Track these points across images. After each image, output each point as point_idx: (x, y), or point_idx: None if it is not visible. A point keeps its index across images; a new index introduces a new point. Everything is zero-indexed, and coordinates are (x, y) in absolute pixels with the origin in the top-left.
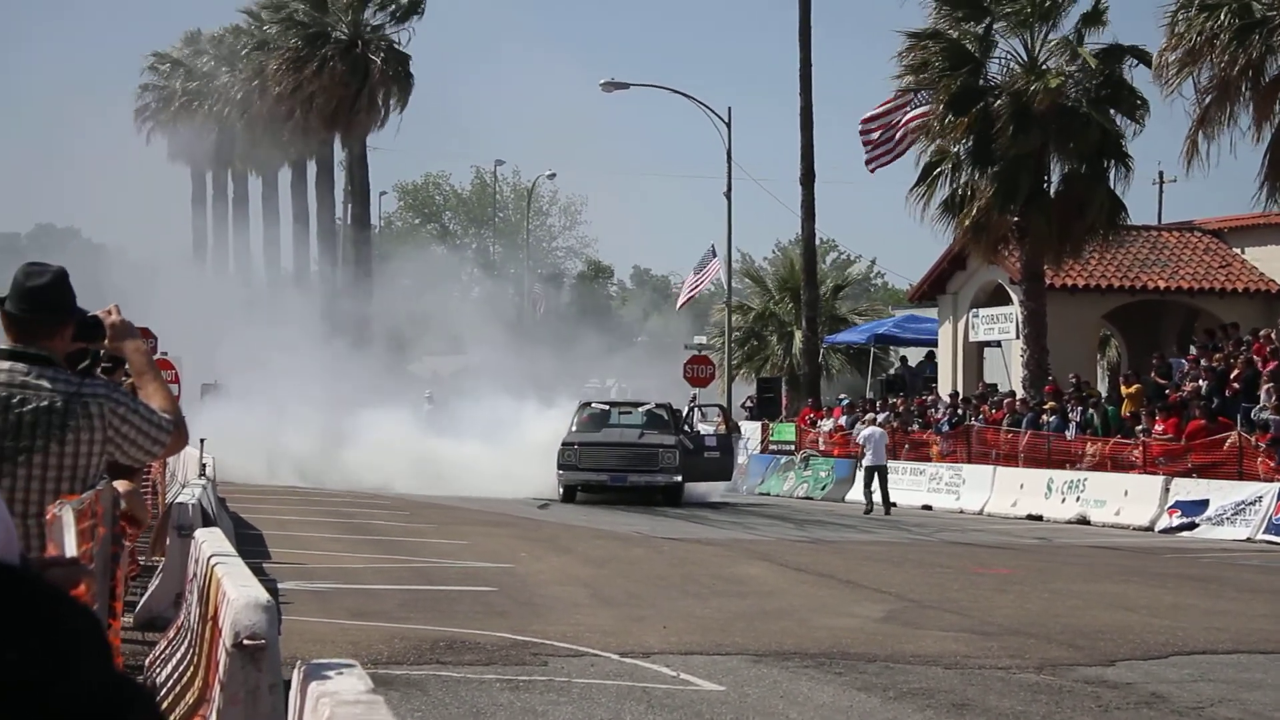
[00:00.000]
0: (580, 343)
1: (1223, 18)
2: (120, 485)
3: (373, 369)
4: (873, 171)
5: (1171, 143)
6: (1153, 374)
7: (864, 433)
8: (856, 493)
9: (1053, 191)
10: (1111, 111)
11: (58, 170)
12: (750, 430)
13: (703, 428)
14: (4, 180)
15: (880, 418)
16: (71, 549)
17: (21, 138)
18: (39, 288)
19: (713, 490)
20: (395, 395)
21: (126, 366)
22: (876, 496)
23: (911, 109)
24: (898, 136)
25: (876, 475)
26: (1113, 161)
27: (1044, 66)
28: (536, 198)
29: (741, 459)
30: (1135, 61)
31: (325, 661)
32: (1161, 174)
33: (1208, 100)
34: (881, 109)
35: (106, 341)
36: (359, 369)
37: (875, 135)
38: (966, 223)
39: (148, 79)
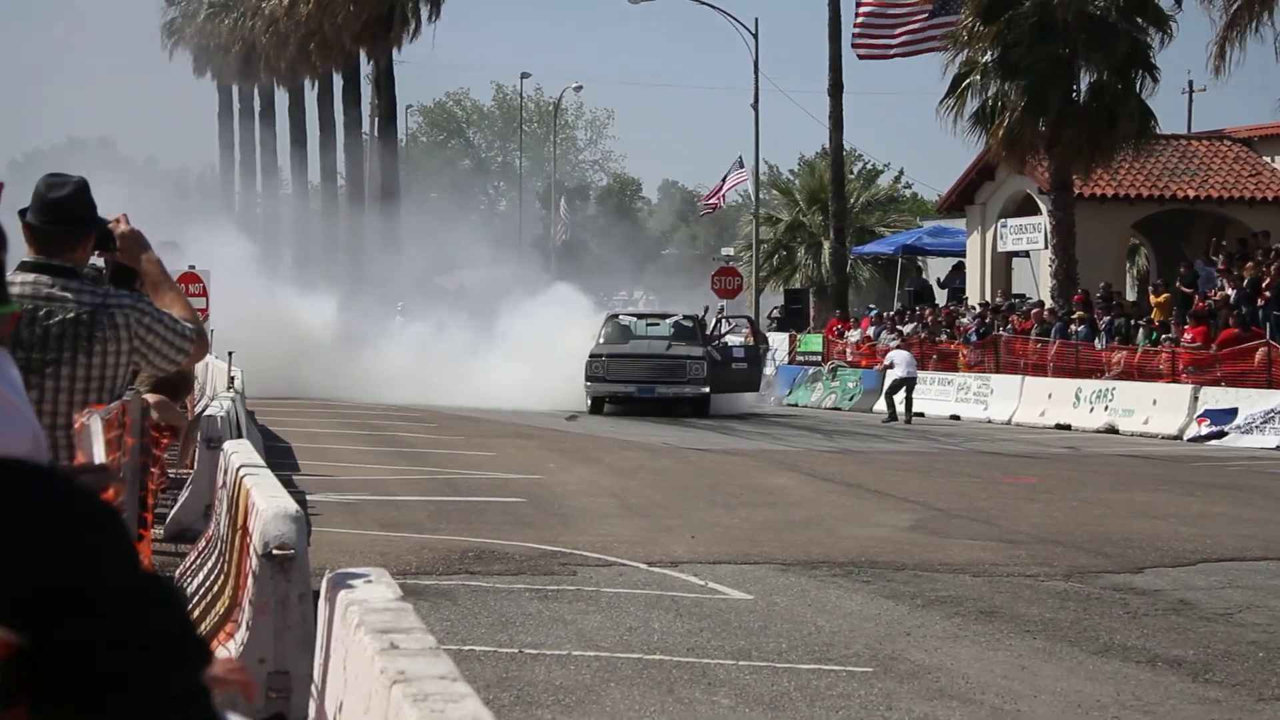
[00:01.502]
0: (607, 257)
1: None
2: (150, 398)
3: (400, 283)
4: (860, 58)
5: (1201, 50)
6: (1179, 283)
7: (891, 355)
8: (884, 404)
9: (1082, 101)
10: (1140, 21)
11: (86, 84)
12: (778, 341)
13: (730, 339)
14: (33, 95)
15: (908, 329)
16: (100, 456)
17: (51, 52)
18: (61, 199)
19: (740, 401)
20: (421, 310)
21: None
22: (900, 407)
23: (924, 15)
24: (896, 37)
25: (905, 387)
26: (1141, 71)
27: None
28: (562, 112)
29: (769, 370)
30: None
31: (353, 570)
32: (1191, 83)
33: (1235, 5)
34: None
35: (118, 252)
36: (385, 283)
37: (870, 19)
38: (999, 134)
39: None
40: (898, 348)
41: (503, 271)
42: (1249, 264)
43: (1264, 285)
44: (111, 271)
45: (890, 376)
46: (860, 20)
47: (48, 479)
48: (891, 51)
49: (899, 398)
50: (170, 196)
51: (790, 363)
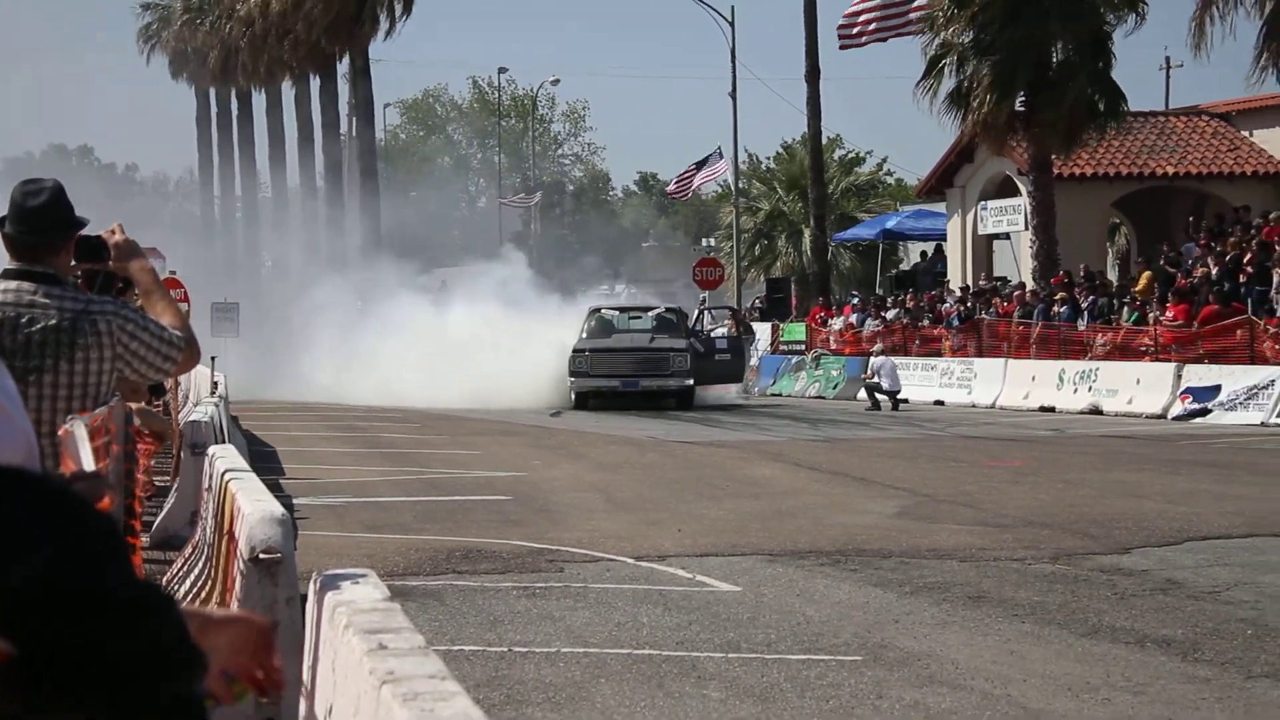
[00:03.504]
0: (587, 250)
1: None
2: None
3: (381, 281)
4: (841, 49)
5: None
6: (1162, 261)
7: (873, 363)
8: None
9: (1057, 81)
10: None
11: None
12: (760, 331)
13: (713, 330)
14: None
15: (890, 314)
16: (89, 463)
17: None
18: (39, 207)
19: (724, 393)
20: (405, 307)
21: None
22: (880, 395)
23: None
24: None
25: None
26: (1115, 49)
27: None
28: (540, 105)
29: (753, 360)
30: None
31: (340, 572)
32: (1168, 59)
33: None
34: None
35: (111, 261)
36: (367, 282)
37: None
38: (974, 115)
39: None
40: (880, 354)
41: (483, 268)
42: (1230, 240)
43: (1245, 261)
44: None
45: (871, 366)
46: (847, 13)
47: (46, 486)
48: (865, 39)
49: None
50: (151, 202)
51: (774, 352)
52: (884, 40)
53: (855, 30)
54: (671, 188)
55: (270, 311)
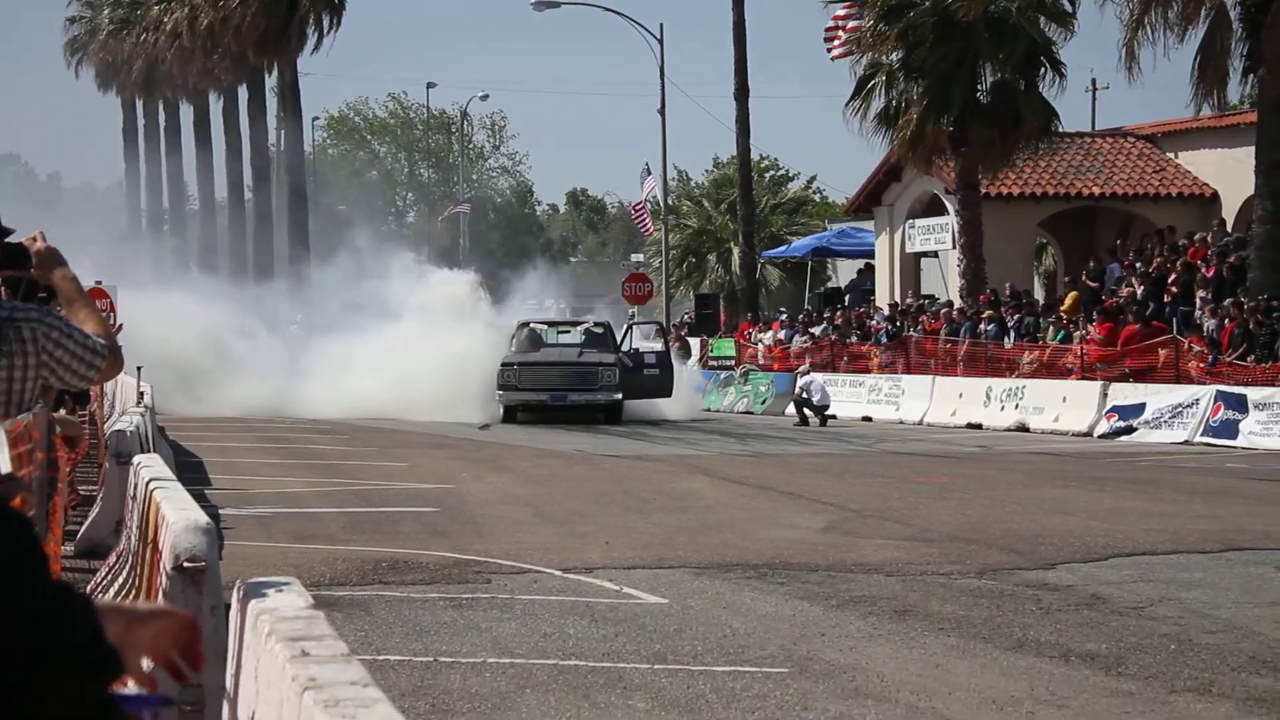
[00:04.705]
0: (514, 264)
1: None
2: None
3: (309, 296)
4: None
5: (1104, 48)
6: (1084, 277)
7: (801, 380)
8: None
9: (986, 101)
10: (1041, 20)
11: None
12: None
13: (641, 344)
14: None
15: (818, 330)
16: (6, 467)
17: None
18: None
19: (662, 407)
20: (335, 321)
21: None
22: (810, 412)
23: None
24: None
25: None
26: (1045, 69)
27: None
28: (458, 119)
29: (701, 378)
30: None
31: (264, 580)
32: (1094, 81)
33: (1139, 4)
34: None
35: (33, 269)
36: (293, 296)
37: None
38: (902, 135)
39: (75, 10)
40: (809, 372)
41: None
42: (1155, 260)
43: (1170, 281)
44: (24, 289)
45: (800, 384)
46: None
47: None
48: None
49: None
50: (77, 213)
51: (703, 367)
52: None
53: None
54: (636, 219)
55: (191, 323)
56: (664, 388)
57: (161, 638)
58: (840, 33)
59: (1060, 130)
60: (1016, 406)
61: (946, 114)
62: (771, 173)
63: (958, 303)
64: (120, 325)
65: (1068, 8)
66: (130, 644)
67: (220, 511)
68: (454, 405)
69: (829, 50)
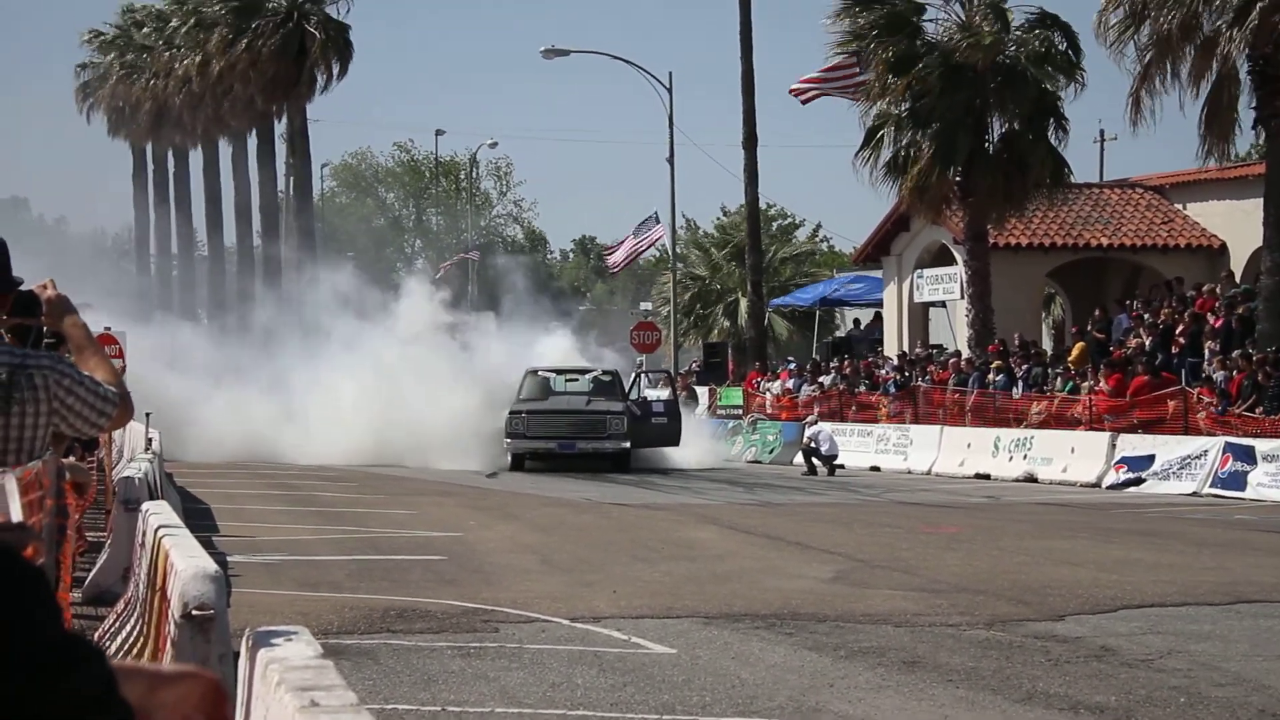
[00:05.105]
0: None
1: None
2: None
3: (319, 343)
4: (803, 102)
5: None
6: (1091, 328)
7: (810, 430)
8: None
9: (994, 151)
10: (1049, 70)
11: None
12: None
13: (649, 393)
14: None
15: (827, 380)
16: (17, 515)
17: None
18: None
19: (675, 456)
20: (345, 368)
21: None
22: (819, 461)
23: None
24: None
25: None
26: (1052, 120)
27: (979, 27)
28: (467, 167)
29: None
30: (1062, 39)
31: (273, 629)
32: (1103, 132)
33: (1148, 58)
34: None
35: (43, 316)
36: (303, 343)
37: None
38: (910, 184)
39: (85, 55)
40: (817, 422)
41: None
42: (1163, 311)
43: (1178, 332)
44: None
45: (808, 434)
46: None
47: None
48: (814, 94)
49: (820, 458)
50: (85, 259)
51: (712, 416)
52: (830, 95)
53: (809, 91)
54: (610, 260)
55: (200, 370)
56: (672, 436)
57: (186, 700)
58: (822, 82)
59: (1070, 180)
60: (1025, 457)
61: (953, 163)
62: (779, 221)
63: (966, 353)
64: (124, 367)
65: (1073, 59)
66: (154, 706)
67: (228, 559)
68: (459, 453)
69: (799, 96)
